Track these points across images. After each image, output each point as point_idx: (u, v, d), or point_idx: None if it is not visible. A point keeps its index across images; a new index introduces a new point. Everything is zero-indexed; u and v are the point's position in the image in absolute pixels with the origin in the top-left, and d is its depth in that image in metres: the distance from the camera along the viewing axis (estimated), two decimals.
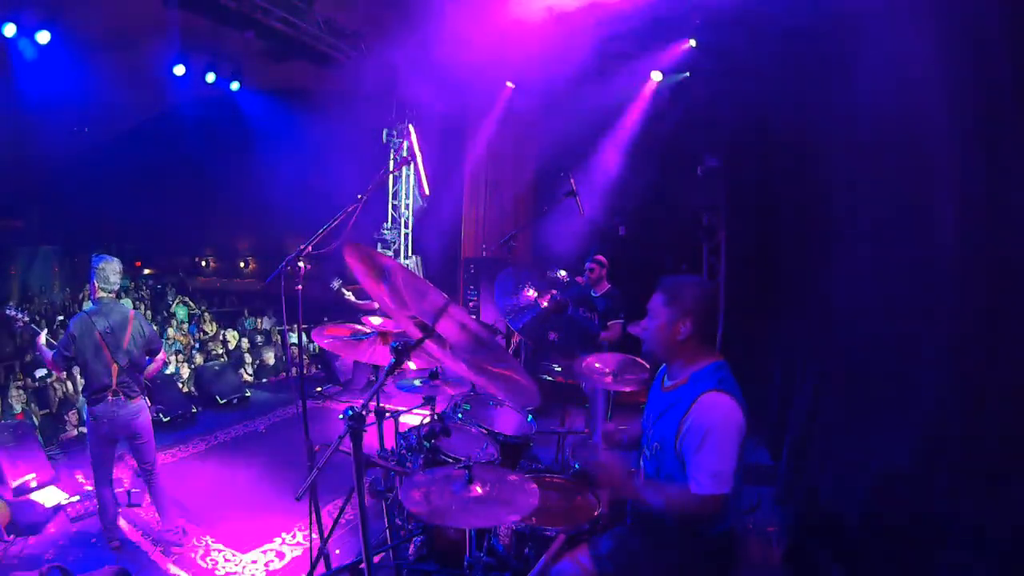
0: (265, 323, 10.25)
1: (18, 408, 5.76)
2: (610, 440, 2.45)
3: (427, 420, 3.15)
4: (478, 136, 8.96)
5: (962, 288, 2.38)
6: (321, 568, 2.67)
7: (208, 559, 3.62)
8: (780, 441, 4.42)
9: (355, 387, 7.12)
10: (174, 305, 9.31)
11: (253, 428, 5.98)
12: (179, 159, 11.15)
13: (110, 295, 3.62)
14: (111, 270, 3.62)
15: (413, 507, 1.95)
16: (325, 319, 7.41)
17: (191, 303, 10.28)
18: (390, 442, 3.48)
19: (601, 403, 4.54)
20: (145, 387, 3.80)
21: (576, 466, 2.88)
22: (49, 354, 3.54)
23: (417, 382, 3.22)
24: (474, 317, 4.32)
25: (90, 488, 4.01)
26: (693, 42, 6.44)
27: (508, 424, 3.28)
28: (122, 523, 3.86)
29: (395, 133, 9.37)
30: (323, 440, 2.87)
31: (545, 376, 5.39)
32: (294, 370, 7.19)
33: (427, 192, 6.67)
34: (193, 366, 7.59)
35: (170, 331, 8.34)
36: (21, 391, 6.11)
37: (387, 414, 3.31)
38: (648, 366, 3.15)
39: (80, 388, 3.62)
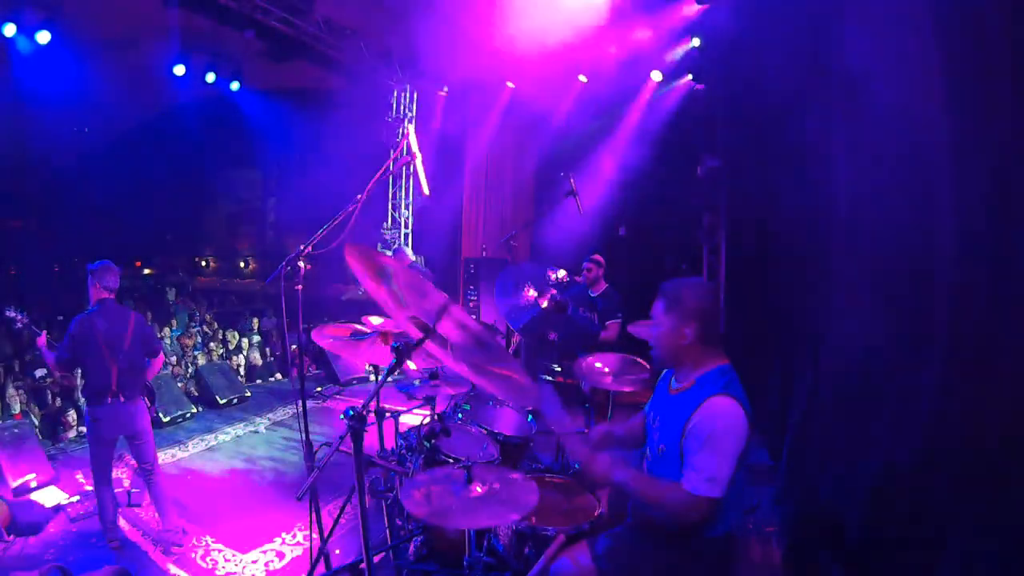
0: (265, 323, 10.24)
1: (18, 408, 5.75)
2: (605, 441, 2.45)
3: (427, 420, 3.15)
4: (478, 136, 8.97)
5: (962, 288, 2.38)
6: (321, 568, 2.67)
7: (208, 559, 3.61)
8: (780, 441, 4.41)
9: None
10: (175, 315, 9.27)
11: (253, 428, 5.98)
12: (179, 159, 11.17)
13: (109, 296, 3.63)
14: (108, 273, 3.63)
15: (413, 507, 1.95)
16: (325, 319, 7.42)
17: (193, 306, 10.25)
18: (390, 442, 3.48)
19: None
20: (145, 387, 3.80)
21: (576, 466, 2.88)
22: (51, 356, 3.54)
23: (416, 382, 3.22)
24: (474, 317, 4.32)
25: (90, 488, 4.01)
26: (697, 41, 6.44)
27: (508, 424, 3.28)
28: (122, 523, 3.86)
29: (395, 133, 9.38)
30: (323, 440, 2.88)
31: (545, 376, 5.39)
32: (294, 370, 7.18)
33: (427, 192, 6.67)
34: (193, 366, 7.59)
35: (166, 330, 8.32)
36: (21, 391, 6.11)
37: (387, 414, 3.32)
38: (648, 366, 3.15)
39: (80, 388, 3.61)
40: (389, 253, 8.81)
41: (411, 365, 3.43)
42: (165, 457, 4.96)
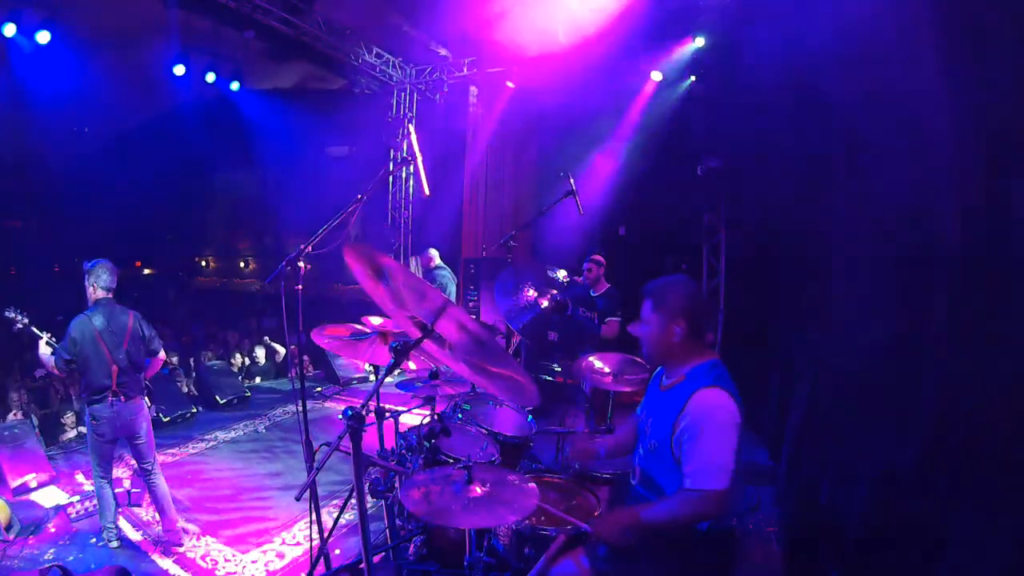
0: (265, 323, 10.26)
1: (18, 408, 5.76)
2: (585, 454, 2.47)
3: (427, 420, 3.14)
4: (478, 136, 8.97)
5: (962, 288, 2.38)
6: (321, 568, 2.67)
7: (208, 559, 3.61)
8: (780, 441, 4.42)
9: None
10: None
11: (253, 428, 5.98)
12: (179, 159, 11.17)
13: (108, 295, 3.62)
14: (105, 271, 3.62)
15: (413, 507, 1.96)
16: (325, 320, 7.41)
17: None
18: (390, 442, 3.48)
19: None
20: (145, 387, 3.80)
21: (576, 466, 2.87)
22: (51, 359, 3.54)
23: (417, 383, 3.22)
24: (474, 317, 4.31)
25: (90, 488, 4.01)
26: (701, 40, 6.43)
27: (508, 424, 3.27)
28: (122, 523, 3.86)
29: (395, 133, 9.37)
30: (323, 440, 2.87)
31: (545, 376, 5.38)
32: (294, 370, 7.18)
33: (427, 192, 6.67)
34: (193, 366, 7.60)
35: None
36: (21, 391, 6.12)
37: (387, 414, 3.31)
38: (649, 366, 3.15)
39: (80, 388, 3.60)
40: (415, 259, 8.83)
41: (411, 365, 3.43)
42: (165, 457, 4.95)
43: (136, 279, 13.82)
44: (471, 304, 7.96)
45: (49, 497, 4.22)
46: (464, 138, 9.12)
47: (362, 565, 1.74)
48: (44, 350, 3.58)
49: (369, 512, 1.75)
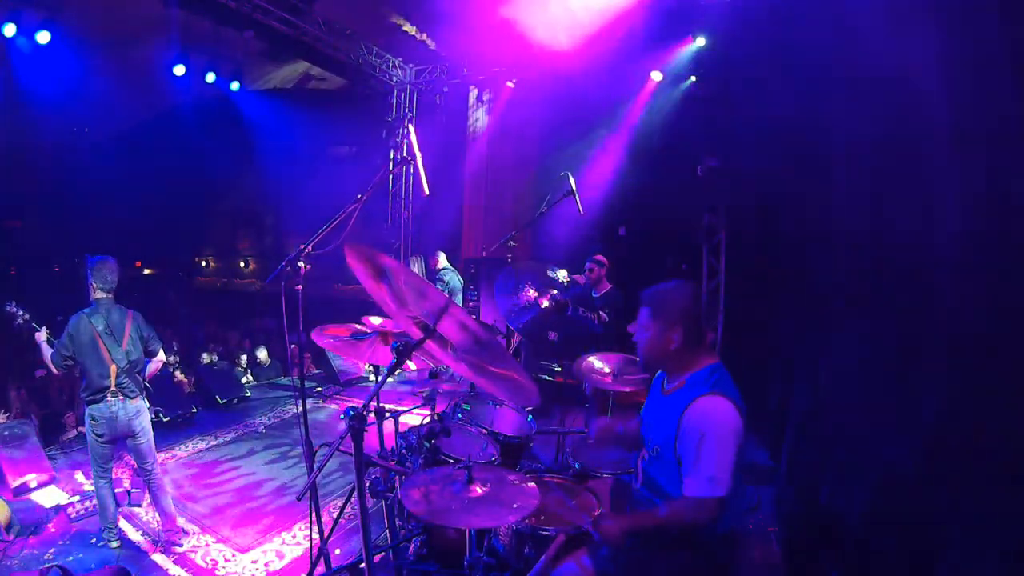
0: (265, 323, 10.25)
1: (18, 408, 5.75)
2: (605, 434, 2.47)
3: (427, 420, 3.15)
4: (478, 136, 8.97)
5: (963, 288, 2.38)
6: (321, 568, 2.67)
7: (208, 559, 3.61)
8: (780, 441, 4.42)
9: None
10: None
11: (253, 428, 5.98)
12: (179, 159, 11.17)
13: (108, 295, 3.62)
14: (108, 269, 3.61)
15: (413, 507, 1.96)
16: (325, 320, 7.41)
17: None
18: (390, 442, 3.48)
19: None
20: (144, 387, 3.79)
21: (576, 466, 2.87)
22: (49, 352, 3.54)
23: (416, 383, 3.22)
24: (474, 317, 4.31)
25: (90, 488, 4.01)
26: (702, 40, 6.42)
27: (508, 424, 3.28)
28: (122, 523, 3.86)
29: (395, 133, 9.37)
30: (323, 440, 2.87)
31: (545, 376, 5.39)
32: (295, 370, 7.18)
33: (427, 192, 6.65)
34: (193, 366, 7.59)
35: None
36: (21, 391, 6.11)
37: (387, 414, 3.31)
38: (645, 372, 3.15)
39: (80, 388, 3.60)
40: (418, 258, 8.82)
41: (411, 365, 3.43)
42: (165, 457, 4.96)
43: (136, 279, 13.81)
44: (471, 304, 7.95)
45: (49, 497, 4.22)
46: (464, 138, 9.11)
47: (362, 565, 1.75)
48: (43, 343, 3.57)
49: (369, 512, 1.75)
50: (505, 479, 2.11)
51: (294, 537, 3.86)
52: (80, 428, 5.42)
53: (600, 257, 5.20)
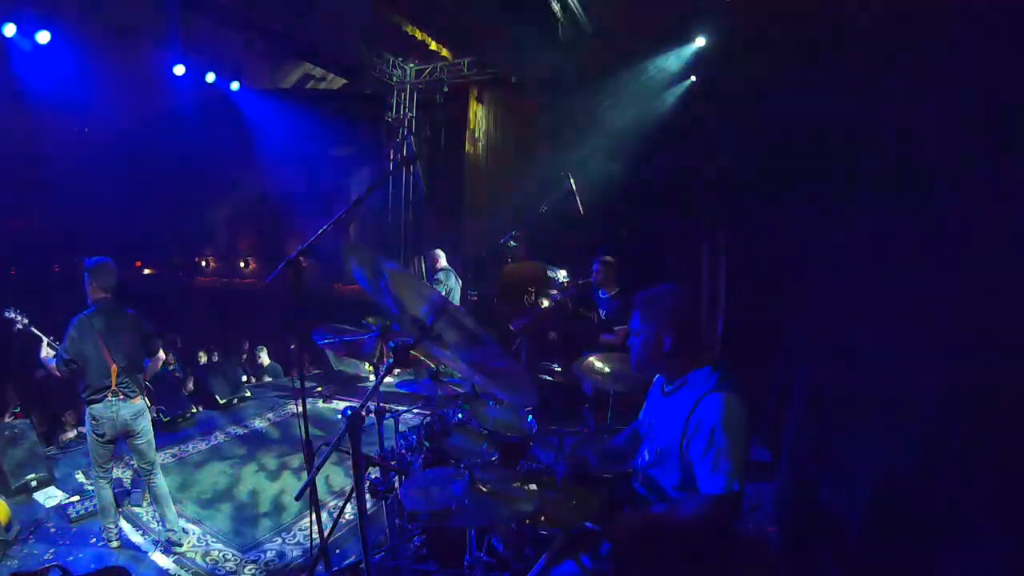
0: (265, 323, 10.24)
1: (17, 408, 5.76)
2: (577, 467, 2.37)
3: (427, 420, 3.15)
4: (478, 136, 8.97)
5: (963, 287, 2.38)
6: (321, 568, 2.67)
7: (208, 559, 3.62)
8: (780, 440, 4.41)
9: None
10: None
11: (253, 428, 5.98)
12: (179, 159, 11.16)
13: (107, 295, 3.62)
14: (106, 270, 3.62)
15: (413, 507, 1.96)
16: (325, 320, 7.41)
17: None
18: (390, 442, 3.48)
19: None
20: (145, 387, 3.79)
21: (576, 466, 2.87)
22: (52, 361, 3.53)
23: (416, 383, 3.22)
24: (472, 317, 4.31)
25: (90, 488, 4.01)
26: (701, 40, 6.43)
27: (508, 424, 3.27)
28: (122, 523, 3.86)
29: (395, 134, 9.38)
30: (323, 440, 2.87)
31: (545, 376, 5.38)
32: (294, 370, 7.18)
33: (426, 193, 6.66)
34: (193, 366, 7.59)
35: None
36: (21, 391, 6.12)
37: (387, 414, 3.31)
38: (638, 375, 3.14)
39: (80, 388, 3.60)
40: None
41: (410, 365, 3.43)
42: (165, 457, 4.96)
43: (136, 279, 13.80)
44: (474, 300, 7.96)
45: (49, 497, 4.22)
46: (464, 138, 9.12)
47: (362, 565, 1.75)
48: (46, 352, 3.58)
49: (369, 512, 1.75)
50: (505, 479, 2.11)
51: (294, 537, 3.86)
52: (80, 428, 5.42)
53: (607, 257, 5.14)
